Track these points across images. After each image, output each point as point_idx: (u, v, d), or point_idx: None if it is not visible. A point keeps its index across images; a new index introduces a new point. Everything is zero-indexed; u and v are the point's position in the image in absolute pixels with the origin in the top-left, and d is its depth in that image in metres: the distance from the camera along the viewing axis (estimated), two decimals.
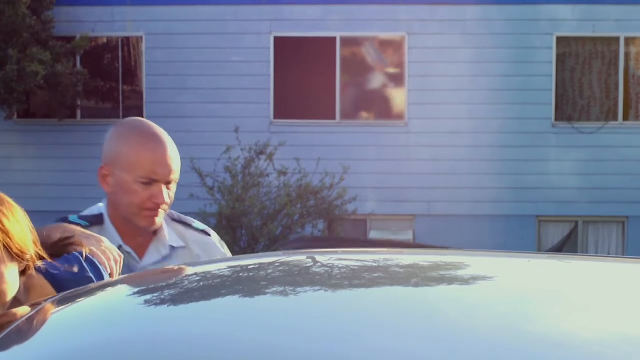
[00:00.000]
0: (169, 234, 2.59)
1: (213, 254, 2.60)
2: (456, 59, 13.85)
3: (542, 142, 13.85)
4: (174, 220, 2.66)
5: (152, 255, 2.54)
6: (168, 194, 2.48)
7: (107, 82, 14.26)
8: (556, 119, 13.91)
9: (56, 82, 12.72)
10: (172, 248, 2.58)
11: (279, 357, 0.85)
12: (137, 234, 2.53)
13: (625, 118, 13.93)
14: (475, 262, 1.31)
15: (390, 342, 0.89)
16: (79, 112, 14.13)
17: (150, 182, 2.43)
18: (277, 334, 0.93)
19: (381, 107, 14.29)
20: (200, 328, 0.94)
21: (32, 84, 12.19)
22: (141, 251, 2.55)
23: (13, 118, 13.60)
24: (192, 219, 2.71)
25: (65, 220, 2.46)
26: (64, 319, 1.11)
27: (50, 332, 1.05)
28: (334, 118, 13.86)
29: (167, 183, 2.46)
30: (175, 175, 2.48)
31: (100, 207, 2.60)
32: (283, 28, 14.00)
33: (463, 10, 13.88)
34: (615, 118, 13.90)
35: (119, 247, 2.43)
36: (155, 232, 2.56)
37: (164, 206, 2.48)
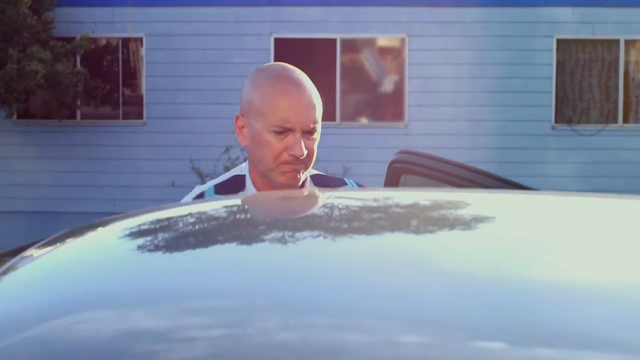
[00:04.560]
0: None
1: None
2: (456, 61, 13.86)
3: (542, 144, 13.85)
4: (317, 184, 2.36)
5: None
6: (307, 146, 2.17)
7: (107, 83, 14.26)
8: (556, 121, 13.91)
9: (56, 82, 12.72)
10: None
11: (266, 303, 0.86)
12: None
13: (625, 120, 13.94)
14: (481, 200, 1.29)
15: (383, 285, 0.89)
16: (78, 113, 14.13)
17: (284, 131, 2.14)
18: (264, 279, 0.93)
19: (381, 109, 14.30)
20: (189, 279, 0.93)
21: (32, 82, 12.19)
22: None
23: (13, 117, 13.61)
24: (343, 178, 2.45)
25: (202, 197, 2.24)
26: (49, 265, 1.09)
27: (37, 279, 1.03)
28: (334, 119, 13.86)
29: (306, 133, 2.16)
30: (315, 124, 2.17)
31: (243, 167, 2.34)
32: (283, 29, 14.01)
33: (463, 12, 13.89)
34: (615, 120, 13.91)
35: None
36: None
37: (304, 159, 2.18)
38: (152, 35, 14.08)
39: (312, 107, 2.16)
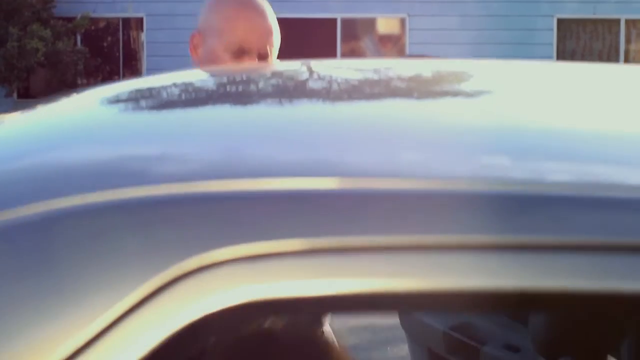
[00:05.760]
0: None
1: None
2: (457, 41, 13.84)
3: None
4: None
5: None
6: None
7: (108, 63, 14.26)
8: None
9: (57, 60, 12.73)
10: None
11: (264, 136, 0.85)
12: None
13: None
14: (481, 69, 1.29)
15: (383, 128, 0.89)
16: None
17: (240, 51, 2.10)
18: (262, 127, 0.92)
19: None
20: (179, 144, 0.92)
21: (33, 60, 12.20)
22: None
23: (13, 96, 13.60)
24: None
25: None
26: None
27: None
28: None
29: (261, 58, 2.13)
30: (272, 48, 2.14)
31: None
32: (284, 9, 13.96)
33: None
34: None
35: None
36: None
37: None
38: (153, 15, 14.06)
39: (271, 32, 2.14)
